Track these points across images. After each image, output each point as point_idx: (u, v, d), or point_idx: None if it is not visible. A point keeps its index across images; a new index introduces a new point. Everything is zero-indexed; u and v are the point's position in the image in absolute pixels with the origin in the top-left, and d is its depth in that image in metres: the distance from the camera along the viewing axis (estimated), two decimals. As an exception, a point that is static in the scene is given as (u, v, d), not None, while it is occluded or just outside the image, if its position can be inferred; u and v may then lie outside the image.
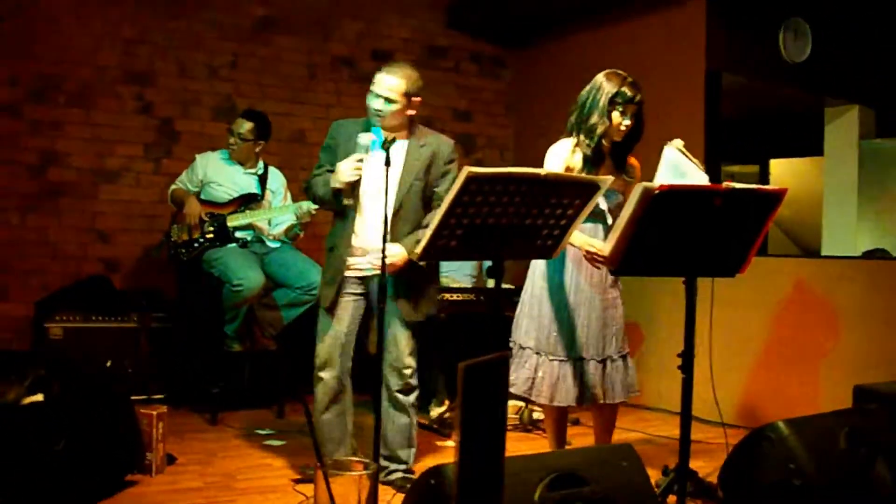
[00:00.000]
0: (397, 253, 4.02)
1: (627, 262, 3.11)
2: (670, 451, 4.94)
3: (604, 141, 4.00)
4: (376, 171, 3.97)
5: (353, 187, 4.01)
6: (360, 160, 3.96)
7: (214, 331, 5.61)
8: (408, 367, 4.21)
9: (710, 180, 3.90)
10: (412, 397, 4.28)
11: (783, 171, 9.77)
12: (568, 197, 3.08)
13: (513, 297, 5.68)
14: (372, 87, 4.10)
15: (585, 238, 3.88)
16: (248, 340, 5.76)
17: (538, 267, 4.17)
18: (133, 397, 4.57)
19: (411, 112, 4.16)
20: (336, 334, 4.18)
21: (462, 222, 2.92)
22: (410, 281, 4.13)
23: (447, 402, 5.92)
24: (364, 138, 3.99)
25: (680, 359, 3.32)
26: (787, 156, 9.73)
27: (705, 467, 4.54)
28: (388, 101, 4.07)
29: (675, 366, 3.34)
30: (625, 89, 3.95)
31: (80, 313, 5.74)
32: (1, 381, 3.74)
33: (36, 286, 6.14)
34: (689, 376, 3.29)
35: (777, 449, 3.18)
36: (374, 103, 4.08)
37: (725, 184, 3.13)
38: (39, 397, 3.73)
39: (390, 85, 4.06)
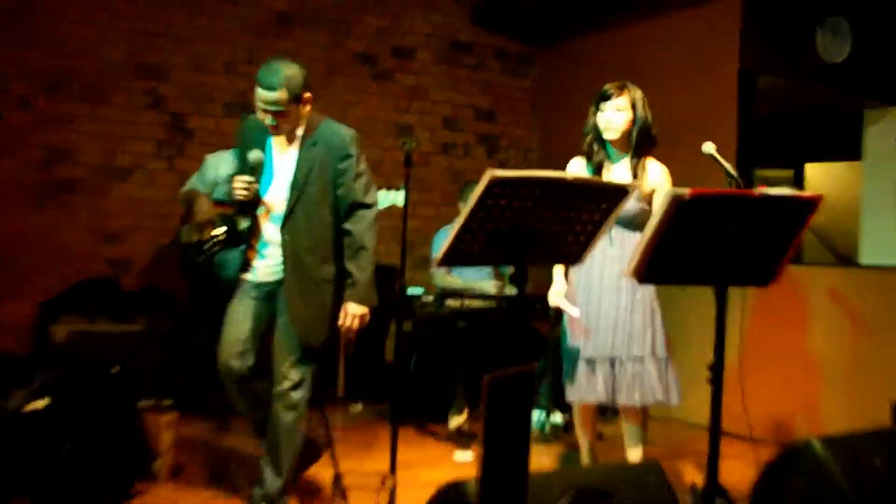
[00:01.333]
0: (356, 312, 3.93)
1: (653, 269, 3.09)
2: (698, 466, 4.91)
3: (606, 139, 4.21)
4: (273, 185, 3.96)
5: (246, 209, 3.93)
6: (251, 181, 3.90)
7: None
8: (288, 381, 4.02)
9: (743, 185, 3.90)
10: (290, 417, 4.04)
11: (819, 176, 9.70)
12: (595, 202, 3.06)
13: (536, 305, 5.67)
14: (257, 101, 3.85)
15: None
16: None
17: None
18: (141, 403, 4.58)
19: (306, 110, 3.96)
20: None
21: (485, 227, 2.91)
22: (307, 305, 3.99)
23: (466, 412, 5.91)
24: (254, 155, 3.91)
25: (709, 371, 3.29)
26: (824, 160, 9.67)
27: (735, 484, 4.50)
28: (277, 114, 3.85)
29: (704, 377, 3.32)
30: (605, 88, 4.20)
31: (86, 316, 5.75)
32: (6, 385, 3.75)
33: (41, 287, 6.17)
34: (718, 389, 3.26)
35: (811, 469, 3.15)
36: (266, 119, 3.86)
37: (758, 189, 3.10)
38: (44, 402, 3.74)
39: (271, 99, 3.81)
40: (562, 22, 7.76)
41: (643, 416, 4.29)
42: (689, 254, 3.13)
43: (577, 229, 3.11)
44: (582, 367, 4.18)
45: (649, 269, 3.12)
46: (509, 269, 3.01)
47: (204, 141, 6.65)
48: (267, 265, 4.08)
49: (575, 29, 7.77)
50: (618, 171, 4.25)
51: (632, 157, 4.22)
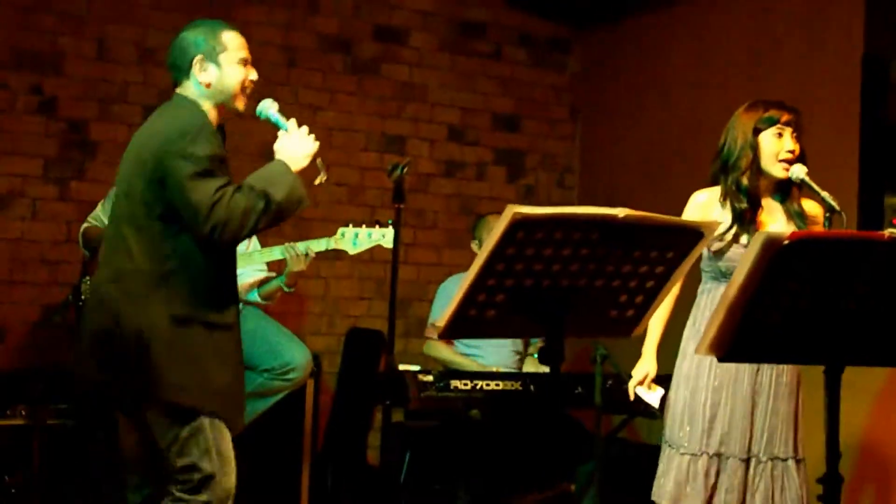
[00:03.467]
0: None
1: (741, 343, 3.13)
2: None
3: (763, 183, 4.43)
4: None
5: None
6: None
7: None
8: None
9: (866, 218, 4.01)
10: None
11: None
12: (657, 248, 3.10)
13: (575, 389, 5.71)
14: (242, 54, 4.23)
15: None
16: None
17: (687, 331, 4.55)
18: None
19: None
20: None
21: (504, 284, 2.95)
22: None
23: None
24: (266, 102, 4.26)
25: (821, 486, 3.32)
26: None
27: None
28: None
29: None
30: (771, 112, 4.42)
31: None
32: None
33: None
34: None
35: None
36: (252, 74, 4.25)
37: (889, 231, 3.15)
38: None
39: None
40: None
41: None
42: (791, 321, 3.17)
43: (631, 287, 3.15)
44: (696, 465, 4.38)
45: (735, 343, 3.16)
46: (537, 342, 3.05)
47: (111, 158, 6.66)
48: None
49: (631, 2, 7.82)
50: (774, 218, 4.47)
51: (786, 201, 4.48)
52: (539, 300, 3.00)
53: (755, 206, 4.41)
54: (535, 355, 6.46)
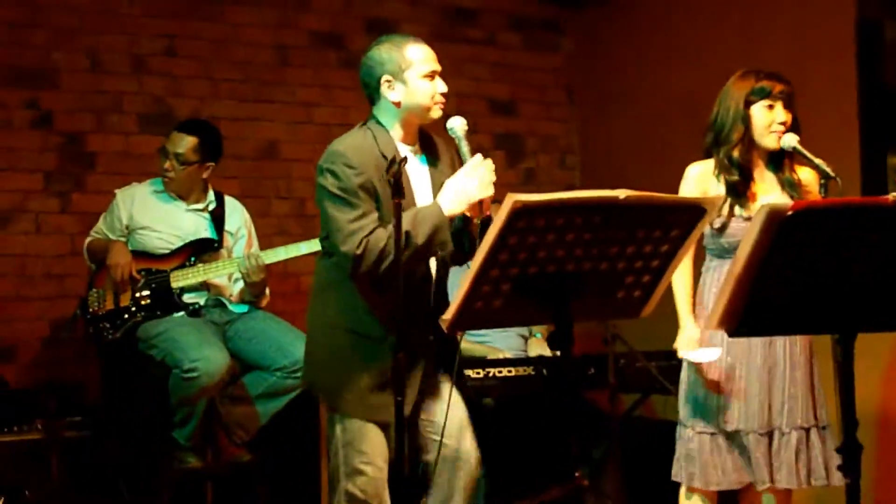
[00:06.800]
0: None
1: (750, 317, 3.12)
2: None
3: (756, 154, 4.48)
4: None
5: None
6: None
7: (159, 439, 5.65)
8: None
9: (869, 179, 4.04)
10: None
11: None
12: (661, 227, 3.10)
13: (588, 370, 5.70)
14: (428, 67, 4.22)
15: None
16: (209, 451, 5.78)
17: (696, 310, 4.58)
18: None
19: None
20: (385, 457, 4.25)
21: (509, 273, 2.94)
22: None
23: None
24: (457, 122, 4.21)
25: (840, 455, 3.31)
26: None
27: None
28: None
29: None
30: (762, 84, 4.42)
31: (-43, 424, 5.78)
32: None
33: None
34: (855, 482, 3.28)
35: None
36: (440, 86, 4.23)
37: (893, 195, 3.13)
38: None
39: None
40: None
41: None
42: (799, 292, 3.16)
43: (637, 267, 3.15)
44: (717, 443, 4.44)
45: (745, 317, 3.15)
46: (545, 328, 3.05)
47: (110, 168, 6.67)
48: None
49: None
50: (767, 188, 4.49)
51: (779, 171, 4.51)
52: (545, 287, 3.00)
53: (747, 178, 4.45)
54: (538, 335, 6.46)
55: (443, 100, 4.21)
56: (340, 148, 4.12)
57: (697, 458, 4.44)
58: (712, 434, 4.43)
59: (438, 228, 3.97)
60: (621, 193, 3.00)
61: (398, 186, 3.82)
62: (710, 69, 5.75)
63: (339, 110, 7.40)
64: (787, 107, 4.40)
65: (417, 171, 4.26)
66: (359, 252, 3.95)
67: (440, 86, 4.19)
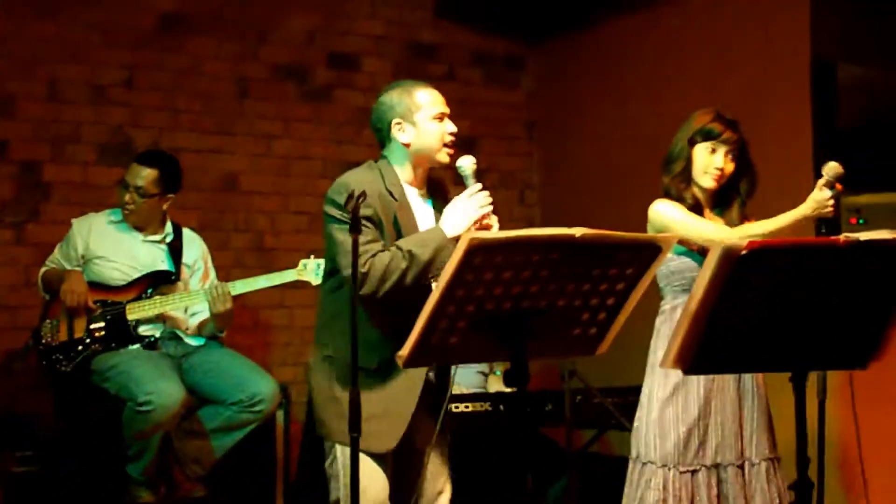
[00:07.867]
0: None
1: (704, 356, 3.14)
2: None
3: (696, 192, 4.49)
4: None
5: None
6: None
7: (112, 474, 5.61)
8: None
9: (823, 220, 4.06)
10: None
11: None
12: (617, 265, 3.12)
13: (545, 406, 5.71)
14: (436, 110, 4.33)
15: None
16: (163, 486, 5.75)
17: (657, 352, 4.51)
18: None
19: None
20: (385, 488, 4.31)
21: (465, 310, 2.95)
22: None
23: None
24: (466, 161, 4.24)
25: (792, 492, 3.33)
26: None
27: None
28: None
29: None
30: (712, 125, 4.44)
31: None
32: None
33: None
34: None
35: None
36: (450, 126, 4.33)
37: (844, 235, 3.16)
38: None
39: None
40: (563, 6, 7.82)
41: None
42: (753, 330, 3.18)
43: (593, 304, 3.16)
44: (697, 480, 4.41)
45: (699, 355, 3.17)
46: (504, 366, 3.07)
47: (67, 199, 6.65)
48: None
49: (585, 15, 7.81)
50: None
51: (729, 211, 4.55)
52: (501, 324, 3.00)
53: (698, 211, 4.47)
54: (498, 372, 6.48)
55: (452, 139, 4.31)
56: (348, 180, 4.24)
57: (660, 495, 4.39)
58: (691, 472, 4.39)
59: (441, 249, 4.05)
60: (577, 231, 3.01)
61: (356, 221, 3.85)
62: (670, 106, 5.80)
63: (299, 143, 7.42)
64: (731, 154, 4.43)
65: (423, 214, 4.35)
66: (364, 270, 4.00)
67: (449, 126, 4.30)
